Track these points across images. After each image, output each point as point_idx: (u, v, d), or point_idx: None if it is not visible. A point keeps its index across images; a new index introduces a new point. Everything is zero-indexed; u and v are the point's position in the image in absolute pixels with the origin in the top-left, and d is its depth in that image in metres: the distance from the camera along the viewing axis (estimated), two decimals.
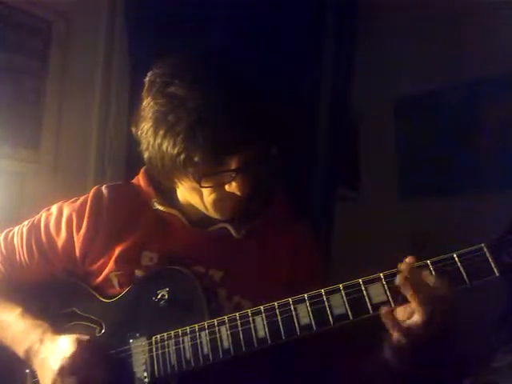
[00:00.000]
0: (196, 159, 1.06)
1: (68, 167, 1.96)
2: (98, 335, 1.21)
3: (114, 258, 1.22)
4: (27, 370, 1.22)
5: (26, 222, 1.33)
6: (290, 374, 1.17)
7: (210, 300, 1.14)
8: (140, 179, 1.30)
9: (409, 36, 2.46)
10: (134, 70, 2.00)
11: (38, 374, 1.17)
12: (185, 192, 1.21)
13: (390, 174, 2.57)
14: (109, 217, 1.25)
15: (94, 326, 1.22)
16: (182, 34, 1.94)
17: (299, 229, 1.30)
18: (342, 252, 2.32)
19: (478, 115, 2.35)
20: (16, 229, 1.33)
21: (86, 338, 1.15)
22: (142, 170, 1.31)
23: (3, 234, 1.34)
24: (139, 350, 1.14)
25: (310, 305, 0.99)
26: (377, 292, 0.95)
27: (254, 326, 1.03)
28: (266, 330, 1.02)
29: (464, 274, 0.91)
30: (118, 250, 1.22)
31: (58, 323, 1.22)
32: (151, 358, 1.12)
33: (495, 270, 0.89)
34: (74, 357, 1.10)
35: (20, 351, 1.19)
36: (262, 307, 1.03)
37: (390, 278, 0.95)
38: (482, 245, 0.90)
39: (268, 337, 1.01)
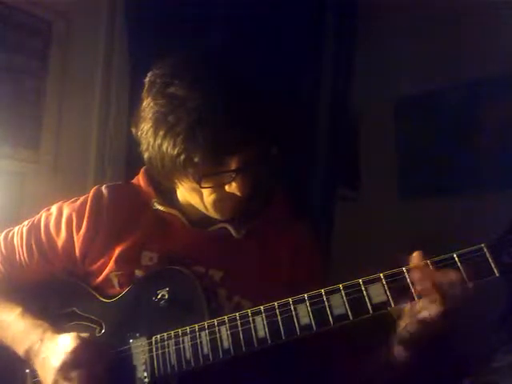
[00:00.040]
0: (196, 160, 1.06)
1: (68, 167, 1.96)
2: (98, 335, 1.21)
3: (114, 258, 1.22)
4: (27, 370, 1.22)
5: (25, 222, 1.33)
6: (290, 373, 1.17)
7: (210, 300, 1.14)
8: (140, 179, 1.30)
9: (409, 36, 2.46)
10: (133, 70, 2.00)
11: (39, 373, 1.17)
12: (185, 192, 1.21)
13: (390, 173, 2.57)
14: (109, 217, 1.25)
15: (94, 326, 1.22)
16: (181, 34, 1.94)
17: (299, 229, 1.30)
18: (342, 252, 2.32)
19: (478, 115, 2.35)
20: (16, 229, 1.33)
21: (87, 335, 1.16)
22: (142, 170, 1.31)
23: (3, 233, 1.34)
24: (139, 350, 1.14)
25: (310, 305, 0.99)
26: (377, 292, 0.95)
27: (254, 326, 1.03)
28: (266, 329, 1.02)
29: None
30: (117, 250, 1.22)
31: (58, 323, 1.22)
32: (151, 357, 1.12)
33: (495, 270, 0.89)
34: (75, 352, 1.10)
35: (20, 351, 1.19)
36: (261, 307, 1.03)
37: (390, 278, 0.95)
38: (482, 245, 0.90)
39: (268, 337, 1.01)
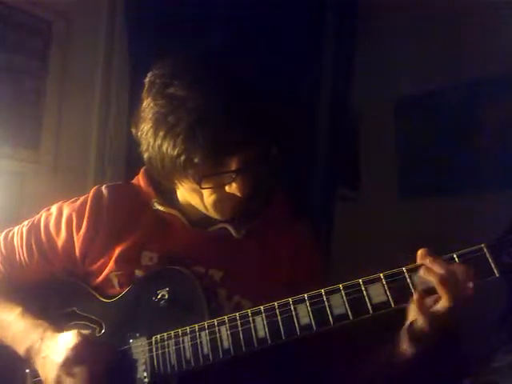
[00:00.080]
0: (196, 160, 1.06)
1: (68, 167, 1.96)
2: (98, 335, 1.21)
3: (114, 258, 1.22)
4: (27, 370, 1.23)
5: (25, 222, 1.33)
6: (290, 374, 1.17)
7: (210, 300, 1.14)
8: (140, 179, 1.30)
9: (409, 36, 2.46)
10: (133, 70, 2.00)
11: (40, 372, 1.17)
12: (185, 193, 1.21)
13: (390, 173, 2.57)
14: (109, 217, 1.25)
15: (94, 325, 1.22)
16: (181, 34, 1.94)
17: (299, 229, 1.30)
18: (342, 252, 2.32)
19: (478, 115, 2.35)
20: (16, 229, 1.33)
21: (87, 331, 1.16)
22: (142, 170, 1.31)
23: (3, 233, 1.34)
24: (139, 350, 1.14)
25: (310, 305, 0.99)
26: (377, 292, 0.95)
27: (254, 326, 1.03)
28: (266, 329, 1.02)
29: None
30: (117, 250, 1.22)
31: (58, 323, 1.22)
32: (151, 357, 1.12)
33: (495, 271, 0.89)
34: (77, 348, 1.10)
35: (21, 350, 1.20)
36: (261, 307, 1.03)
37: (390, 278, 0.95)
38: (482, 245, 0.90)
39: (268, 337, 1.01)
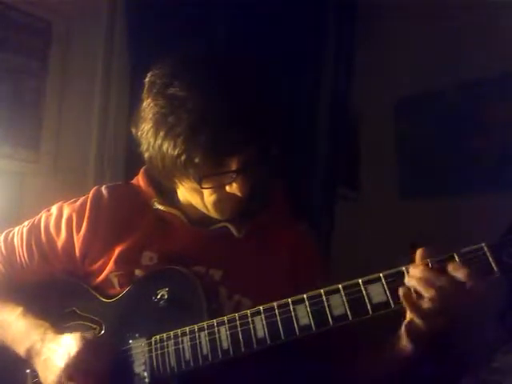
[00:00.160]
0: (197, 160, 1.06)
1: (68, 167, 1.96)
2: (98, 335, 1.21)
3: (113, 259, 1.21)
4: (28, 370, 1.22)
5: (26, 223, 1.33)
6: (290, 374, 1.17)
7: (211, 299, 1.13)
8: (140, 179, 1.30)
9: (409, 36, 2.46)
10: (134, 70, 2.00)
11: (40, 373, 1.16)
12: (185, 192, 1.21)
13: (390, 174, 2.58)
14: (109, 217, 1.25)
15: (94, 325, 1.22)
16: (182, 34, 1.94)
17: (299, 229, 1.30)
18: (342, 252, 2.32)
19: (478, 115, 2.35)
20: (16, 229, 1.33)
21: (91, 335, 1.16)
22: (142, 170, 1.31)
23: (3, 234, 1.34)
24: (139, 351, 1.14)
25: (310, 305, 0.99)
26: (376, 292, 0.95)
27: (254, 327, 1.02)
28: (266, 330, 1.01)
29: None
30: (117, 251, 1.22)
31: (58, 323, 1.22)
32: (151, 358, 1.12)
33: (495, 270, 0.89)
34: (78, 354, 1.09)
35: (21, 350, 1.19)
36: (261, 307, 1.03)
37: (390, 278, 0.95)
38: (483, 244, 0.90)
39: (267, 337, 1.01)
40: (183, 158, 1.07)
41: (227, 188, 1.11)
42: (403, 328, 1.01)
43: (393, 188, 2.55)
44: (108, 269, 1.22)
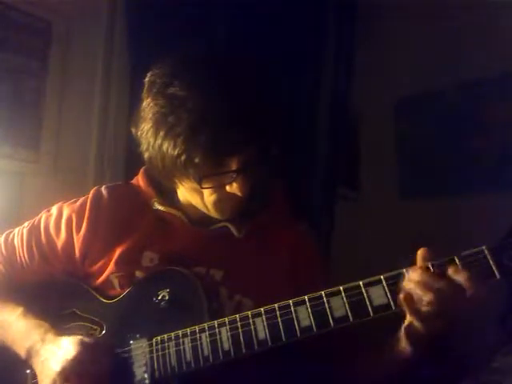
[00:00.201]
0: (197, 160, 1.06)
1: (68, 167, 1.96)
2: (98, 336, 1.21)
3: (114, 260, 1.21)
4: (28, 371, 1.22)
5: (26, 223, 1.33)
6: (290, 375, 1.17)
7: (211, 300, 1.13)
8: (139, 179, 1.30)
9: (409, 36, 2.46)
10: (134, 70, 2.00)
11: (37, 374, 1.16)
12: (185, 192, 1.20)
13: (390, 174, 2.58)
14: (108, 217, 1.25)
15: (95, 326, 1.22)
16: (182, 34, 1.94)
17: (299, 229, 1.30)
18: (342, 252, 2.32)
19: (478, 115, 2.35)
20: (16, 230, 1.33)
21: (90, 339, 1.15)
22: (142, 170, 1.31)
23: (4, 235, 1.34)
24: (140, 352, 1.14)
25: (311, 307, 0.99)
26: (377, 294, 0.95)
27: (255, 328, 1.02)
28: (267, 331, 1.01)
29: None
30: (118, 251, 1.22)
31: (58, 324, 1.22)
32: (151, 359, 1.12)
33: (496, 273, 0.88)
34: (76, 359, 1.09)
35: (21, 351, 1.19)
36: (262, 309, 1.03)
37: (391, 281, 0.95)
38: (483, 247, 0.90)
39: (268, 338, 1.01)
40: (183, 157, 1.06)
41: (227, 188, 1.11)
42: (402, 330, 1.01)
43: (393, 188, 2.55)
44: (108, 270, 1.22)
